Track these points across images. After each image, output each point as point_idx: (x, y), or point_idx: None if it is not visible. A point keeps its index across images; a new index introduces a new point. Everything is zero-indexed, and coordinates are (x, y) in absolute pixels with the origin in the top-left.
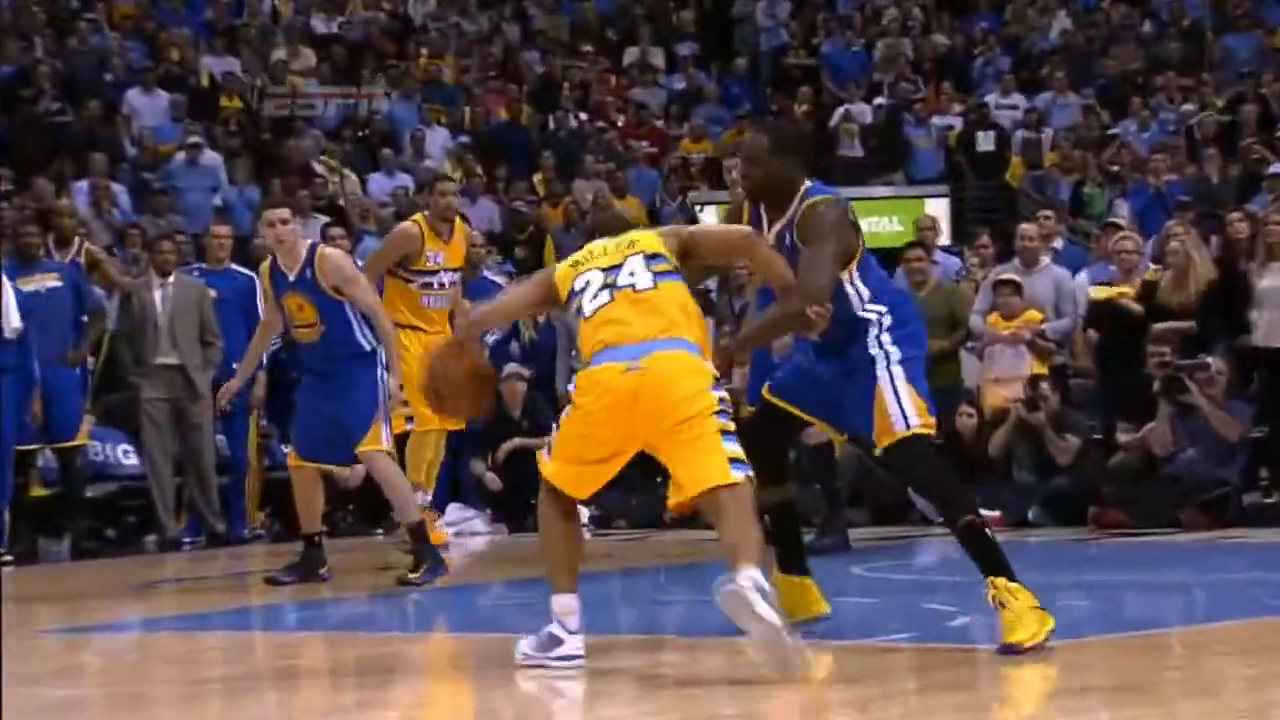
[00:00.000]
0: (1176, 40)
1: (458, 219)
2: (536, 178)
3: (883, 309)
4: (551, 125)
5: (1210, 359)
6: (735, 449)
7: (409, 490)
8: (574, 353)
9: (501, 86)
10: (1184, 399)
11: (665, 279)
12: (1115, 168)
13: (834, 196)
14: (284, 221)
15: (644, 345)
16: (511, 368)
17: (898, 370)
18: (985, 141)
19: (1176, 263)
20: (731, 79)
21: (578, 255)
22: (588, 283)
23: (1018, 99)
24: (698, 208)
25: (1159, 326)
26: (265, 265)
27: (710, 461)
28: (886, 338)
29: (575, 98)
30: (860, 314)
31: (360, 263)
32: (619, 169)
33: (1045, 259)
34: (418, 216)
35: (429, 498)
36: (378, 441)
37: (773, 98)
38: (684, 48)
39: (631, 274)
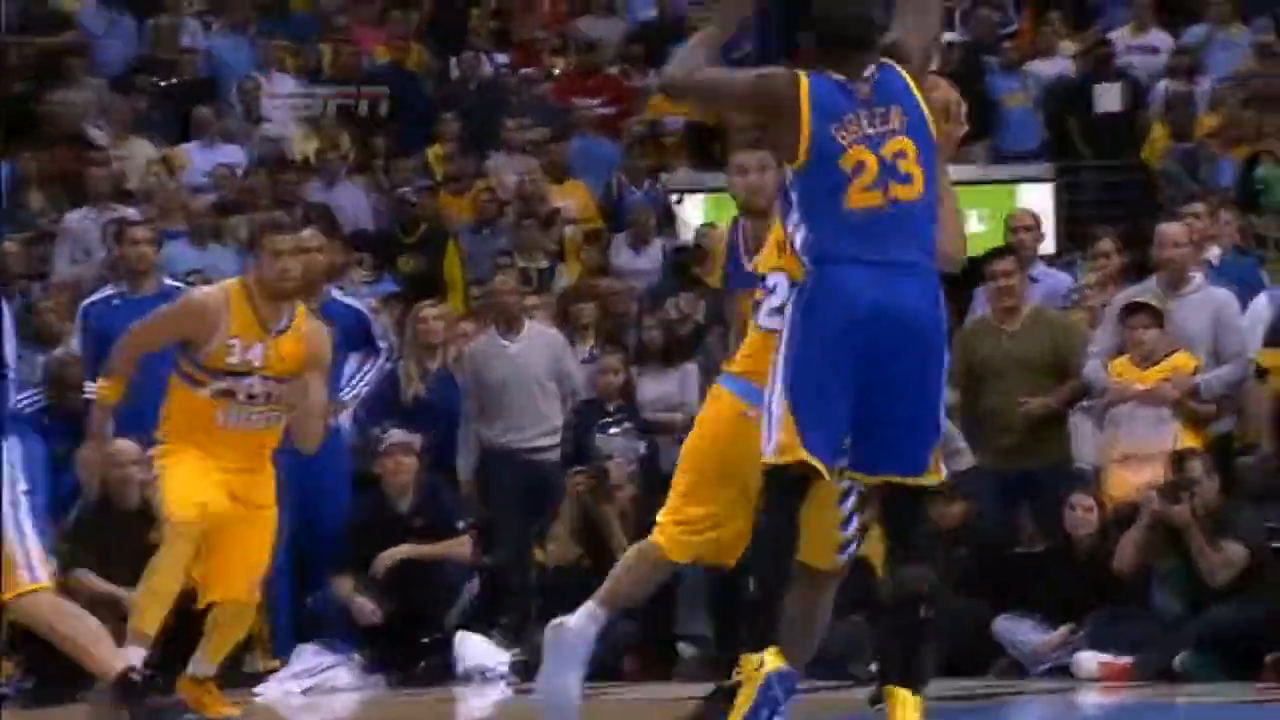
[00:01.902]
0: None
1: (300, 309)
2: (433, 152)
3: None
4: (456, 73)
5: None
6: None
7: (89, 631)
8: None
9: (379, 14)
10: None
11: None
12: None
13: None
14: None
15: None
16: (395, 435)
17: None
18: (1109, 99)
19: None
20: None
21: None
22: (775, 286)
23: (1158, 36)
24: (674, 197)
25: None
26: None
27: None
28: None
29: (492, 31)
30: None
31: None
32: (556, 139)
33: (1198, 276)
34: (233, 283)
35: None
36: (14, 583)
37: (795, 34)
38: None
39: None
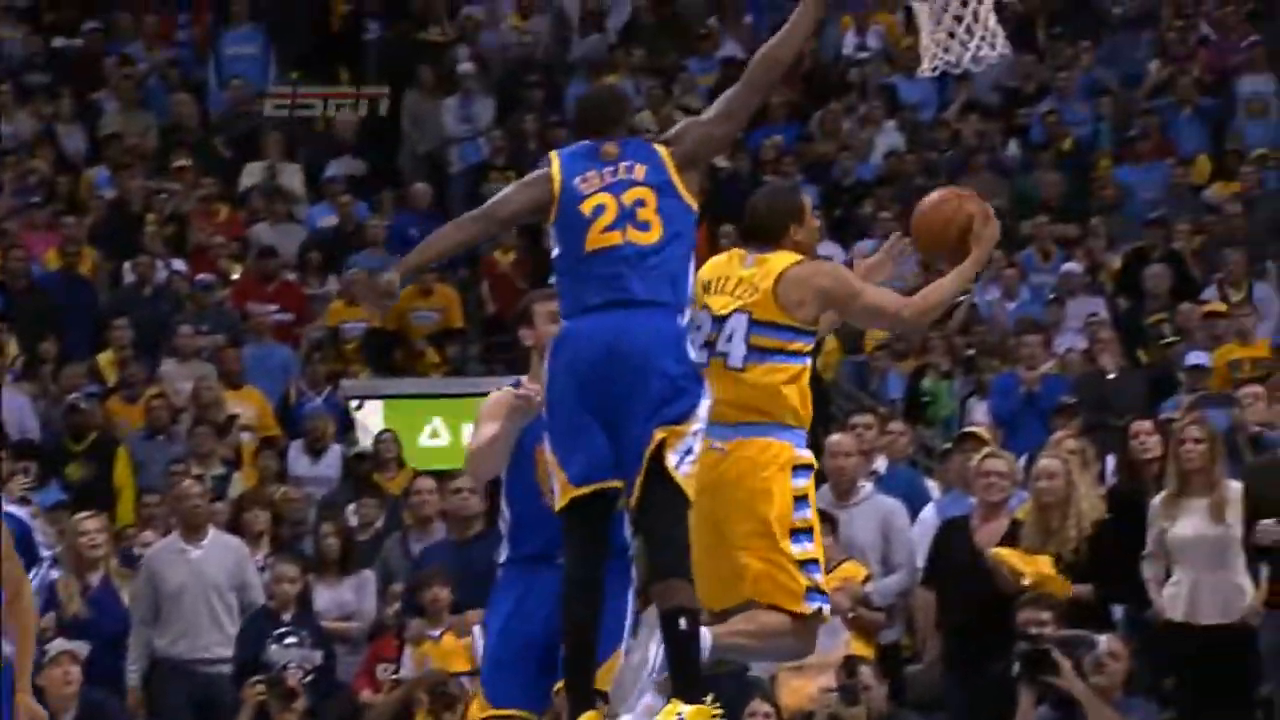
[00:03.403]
0: (1053, 170)
1: None
2: (104, 357)
3: None
4: (128, 278)
5: (1102, 637)
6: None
7: None
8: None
9: (50, 219)
10: (1052, 682)
11: (756, 359)
12: (969, 352)
13: None
14: None
15: (734, 428)
16: (59, 645)
17: None
18: None
19: (1050, 492)
20: (407, 212)
21: (716, 269)
22: (699, 325)
23: (828, 248)
24: (353, 403)
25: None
26: None
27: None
28: None
29: (166, 237)
30: None
31: None
32: (232, 345)
33: (866, 486)
34: None
35: None
36: None
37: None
38: (336, 165)
39: (729, 339)
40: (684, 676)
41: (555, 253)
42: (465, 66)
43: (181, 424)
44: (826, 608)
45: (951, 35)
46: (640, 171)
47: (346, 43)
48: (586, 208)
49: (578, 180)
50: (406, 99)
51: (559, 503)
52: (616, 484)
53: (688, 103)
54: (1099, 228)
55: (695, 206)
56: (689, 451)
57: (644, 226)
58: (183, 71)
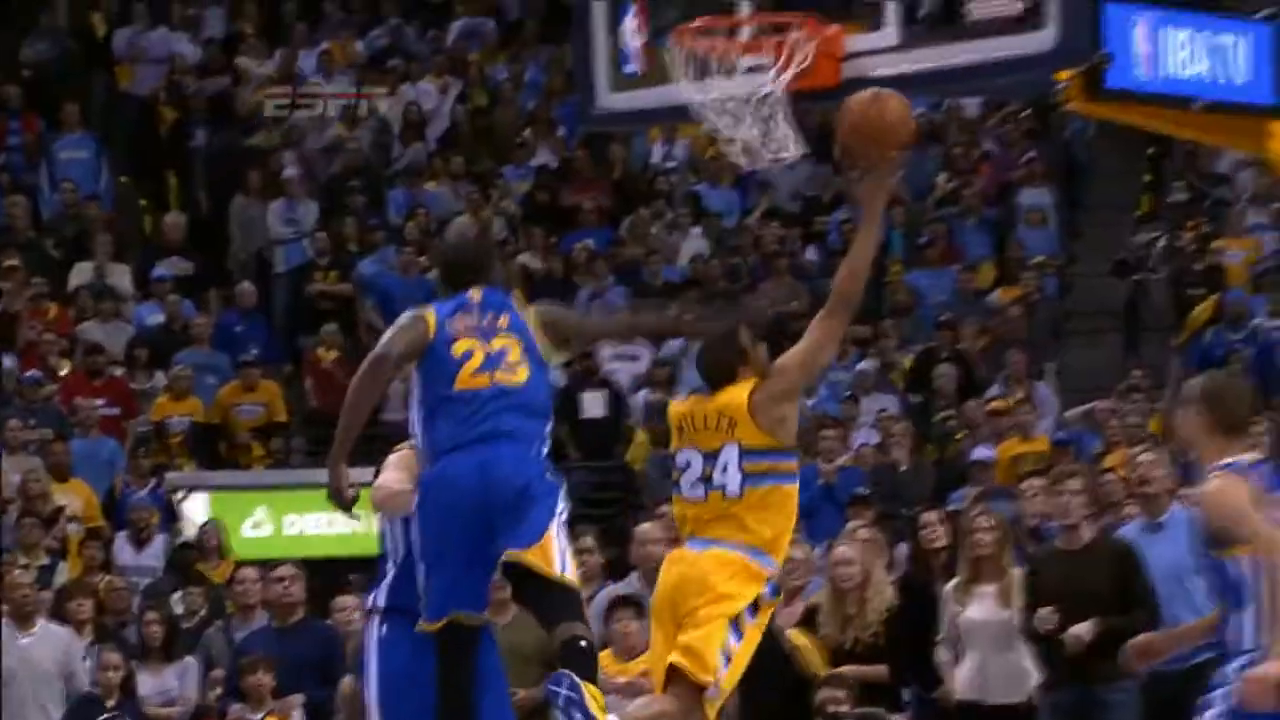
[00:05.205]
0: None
1: None
2: None
3: None
4: None
5: (894, 716)
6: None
7: None
8: None
9: None
10: None
11: (753, 484)
12: None
13: None
14: None
15: (713, 540)
16: None
17: None
18: (594, 405)
19: (846, 578)
20: (232, 310)
21: (683, 410)
22: (689, 463)
23: (640, 347)
24: (178, 495)
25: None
26: None
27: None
28: None
29: None
30: None
31: None
32: (60, 439)
33: None
34: None
35: None
36: None
37: (298, 338)
38: (164, 265)
39: (725, 470)
40: (586, 672)
41: (420, 389)
42: (290, 171)
43: (9, 515)
44: (717, 701)
45: (749, 144)
46: (504, 321)
47: (174, 149)
48: (456, 350)
49: (447, 323)
50: (234, 202)
51: (426, 626)
52: (478, 619)
53: (505, 207)
54: (891, 329)
55: (551, 359)
56: (563, 552)
57: (511, 369)
58: (14, 175)
